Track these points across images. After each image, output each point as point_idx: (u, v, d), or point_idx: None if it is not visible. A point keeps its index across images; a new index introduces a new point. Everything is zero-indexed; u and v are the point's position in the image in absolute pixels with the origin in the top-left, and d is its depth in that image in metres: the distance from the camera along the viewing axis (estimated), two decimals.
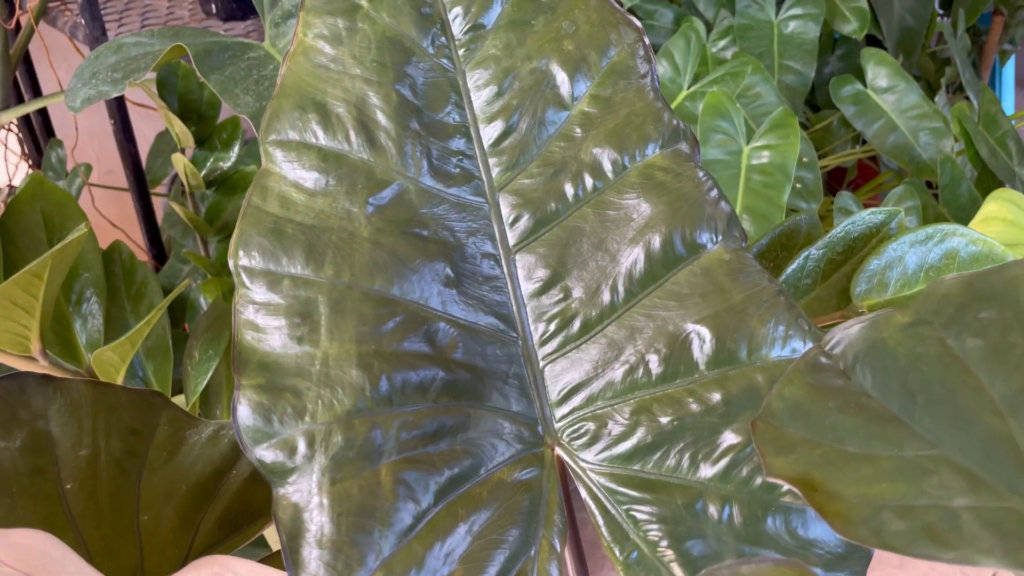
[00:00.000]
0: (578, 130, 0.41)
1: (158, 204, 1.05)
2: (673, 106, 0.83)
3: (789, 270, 0.54)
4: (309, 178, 0.37)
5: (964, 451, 0.28)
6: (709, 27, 1.19)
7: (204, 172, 0.78)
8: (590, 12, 0.42)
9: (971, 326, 0.31)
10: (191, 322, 0.86)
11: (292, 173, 0.37)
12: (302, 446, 0.34)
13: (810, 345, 0.39)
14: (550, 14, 0.42)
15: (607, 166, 0.40)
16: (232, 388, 0.46)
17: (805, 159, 0.87)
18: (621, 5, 0.56)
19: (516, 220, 0.40)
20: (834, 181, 1.49)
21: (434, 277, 0.38)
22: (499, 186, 0.41)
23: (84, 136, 1.14)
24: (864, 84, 1.07)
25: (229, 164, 0.79)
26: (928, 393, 0.30)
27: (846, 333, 0.34)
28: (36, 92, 1.08)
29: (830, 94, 1.06)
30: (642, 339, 0.39)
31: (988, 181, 1.05)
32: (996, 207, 0.85)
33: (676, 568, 0.37)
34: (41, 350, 0.60)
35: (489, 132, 0.41)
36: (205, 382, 0.64)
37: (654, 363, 0.39)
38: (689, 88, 0.84)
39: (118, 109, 0.93)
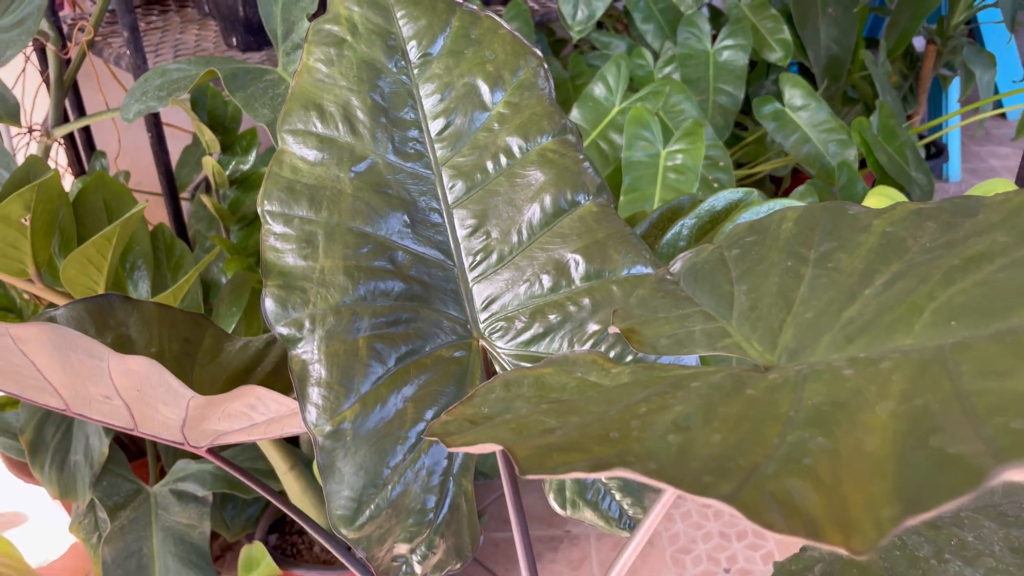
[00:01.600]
0: (496, 125, 0.60)
1: (184, 206, 1.24)
2: (606, 120, 1.02)
3: (669, 235, 0.72)
4: (310, 154, 0.56)
5: (710, 305, 0.46)
6: (656, 56, 1.38)
7: (227, 172, 0.97)
8: (505, 45, 0.61)
9: (738, 244, 0.50)
10: (215, 299, 1.04)
11: (299, 151, 0.56)
12: (307, 323, 0.52)
13: (651, 269, 0.57)
14: (477, 46, 0.61)
15: (515, 149, 0.59)
16: (248, 333, 0.65)
17: (721, 163, 1.06)
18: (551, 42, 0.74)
19: (453, 186, 0.59)
20: (776, 186, 1.68)
21: (396, 221, 0.57)
22: (441, 162, 0.59)
23: (117, 152, 1.33)
24: (783, 103, 1.26)
25: (248, 166, 0.98)
26: (703, 280, 0.49)
27: (681, 258, 0.52)
28: (81, 112, 1.28)
29: (754, 113, 1.25)
30: (538, 265, 0.58)
31: (888, 184, 1.23)
32: (875, 200, 1.03)
33: None
34: None
35: (435, 126, 0.60)
36: (231, 330, 0.82)
37: (546, 281, 0.58)
38: (620, 105, 1.03)
39: (155, 124, 1.12)
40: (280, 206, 0.54)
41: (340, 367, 0.51)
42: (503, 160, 0.59)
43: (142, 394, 0.50)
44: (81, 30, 1.22)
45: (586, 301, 0.57)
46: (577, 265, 0.57)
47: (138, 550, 0.94)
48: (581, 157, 0.59)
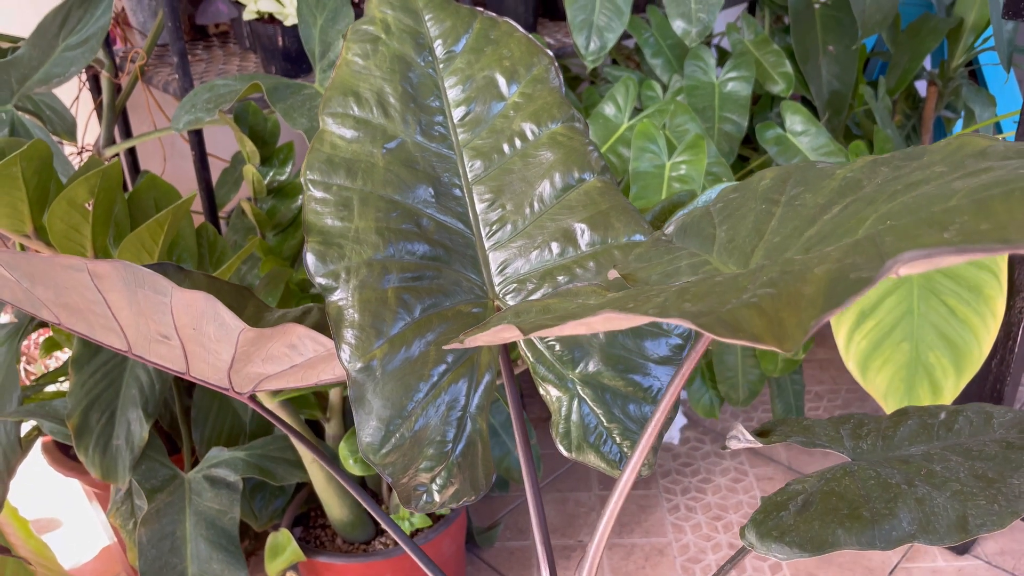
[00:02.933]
0: (511, 112, 0.67)
1: (220, 226, 1.32)
2: (615, 136, 1.10)
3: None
4: (348, 133, 0.64)
5: (695, 246, 0.53)
6: (665, 88, 1.47)
7: (265, 182, 1.06)
8: (520, 45, 0.69)
9: (722, 199, 0.57)
10: None
11: (337, 130, 0.64)
12: (343, 274, 0.59)
13: (648, 236, 0.64)
14: (496, 45, 0.69)
15: (528, 133, 0.67)
16: (281, 321, 0.72)
17: (724, 179, 1.13)
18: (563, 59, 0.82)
19: (473, 165, 0.66)
20: None
21: (423, 192, 0.64)
22: (463, 144, 0.67)
23: (162, 172, 1.43)
24: (784, 129, 1.33)
25: (284, 177, 1.07)
26: (691, 230, 0.55)
27: (675, 220, 0.59)
28: (128, 136, 1.38)
29: (756, 138, 1.33)
30: (548, 233, 0.65)
31: None
32: None
33: (566, 359, 0.61)
34: None
35: (457, 113, 0.67)
36: None
37: (555, 247, 0.64)
38: (628, 122, 1.11)
39: (198, 143, 1.22)
40: (320, 175, 0.62)
41: (371, 312, 0.58)
42: (517, 143, 0.66)
43: (197, 332, 0.57)
44: (132, 60, 1.33)
45: (591, 264, 0.63)
46: (583, 233, 0.64)
47: (172, 532, 0.99)
48: (587, 141, 0.67)
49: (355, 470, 0.98)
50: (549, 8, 1.60)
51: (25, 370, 1.31)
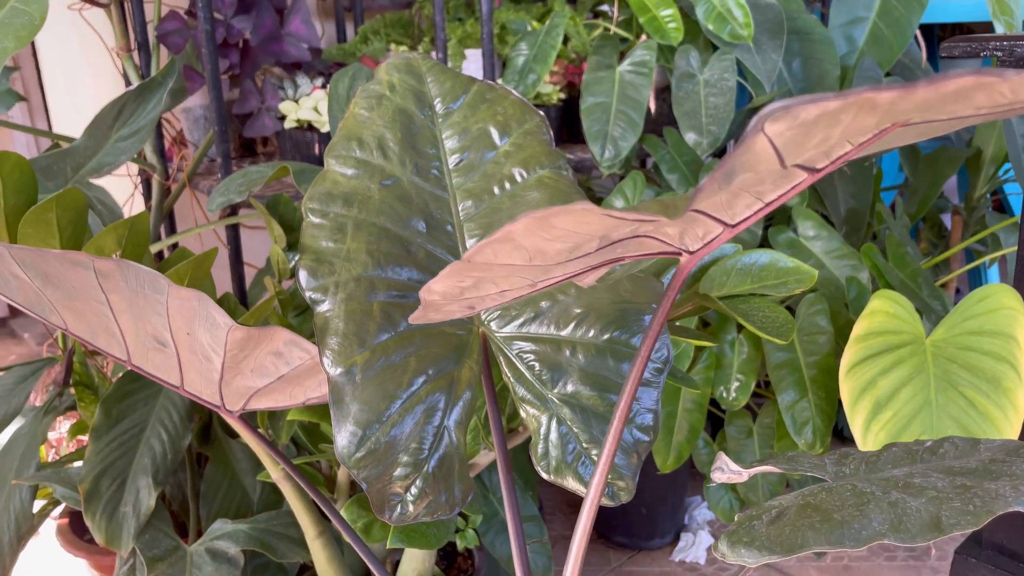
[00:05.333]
0: (502, 159, 0.72)
1: None
2: None
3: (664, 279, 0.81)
4: (348, 171, 0.69)
5: None
6: None
7: (291, 265, 1.12)
8: (514, 105, 0.75)
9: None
10: None
11: (339, 169, 0.69)
12: (332, 288, 0.62)
13: (620, 265, 0.67)
14: (491, 103, 0.75)
15: (517, 177, 0.71)
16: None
17: None
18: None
19: (464, 204, 0.71)
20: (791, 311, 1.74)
21: (415, 224, 0.68)
22: (456, 187, 0.71)
23: None
24: (796, 234, 1.36)
25: None
26: None
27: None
28: (172, 230, 1.47)
29: (769, 242, 1.36)
30: None
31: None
32: (879, 303, 1.11)
33: (545, 378, 0.63)
34: None
35: (452, 160, 0.72)
36: None
37: None
38: None
39: (234, 237, 1.29)
40: (319, 204, 0.67)
41: (355, 322, 0.61)
42: (507, 185, 0.71)
43: (191, 337, 0.60)
44: (180, 170, 1.44)
45: (572, 291, 0.66)
46: None
47: None
48: (572, 184, 0.71)
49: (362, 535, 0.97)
50: (573, 132, 1.70)
51: (54, 450, 1.34)
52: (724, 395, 1.18)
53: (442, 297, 0.45)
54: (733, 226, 0.43)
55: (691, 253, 0.46)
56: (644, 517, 1.53)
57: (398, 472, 0.59)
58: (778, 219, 1.64)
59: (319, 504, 0.73)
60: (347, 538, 0.77)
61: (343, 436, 0.58)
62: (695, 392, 1.18)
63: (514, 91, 0.76)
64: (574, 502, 1.72)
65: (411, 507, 0.59)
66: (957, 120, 0.40)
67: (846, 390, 1.07)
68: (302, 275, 0.63)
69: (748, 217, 0.43)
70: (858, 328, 1.08)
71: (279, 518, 1.05)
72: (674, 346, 1.04)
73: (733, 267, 0.78)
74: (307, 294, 0.62)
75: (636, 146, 1.53)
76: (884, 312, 1.09)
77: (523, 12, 1.68)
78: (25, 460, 1.08)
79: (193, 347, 0.61)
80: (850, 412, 1.07)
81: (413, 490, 0.59)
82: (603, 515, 1.57)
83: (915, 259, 1.34)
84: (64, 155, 1.10)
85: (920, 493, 0.53)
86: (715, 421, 1.38)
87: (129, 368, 0.65)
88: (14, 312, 2.88)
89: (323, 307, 0.62)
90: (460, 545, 1.13)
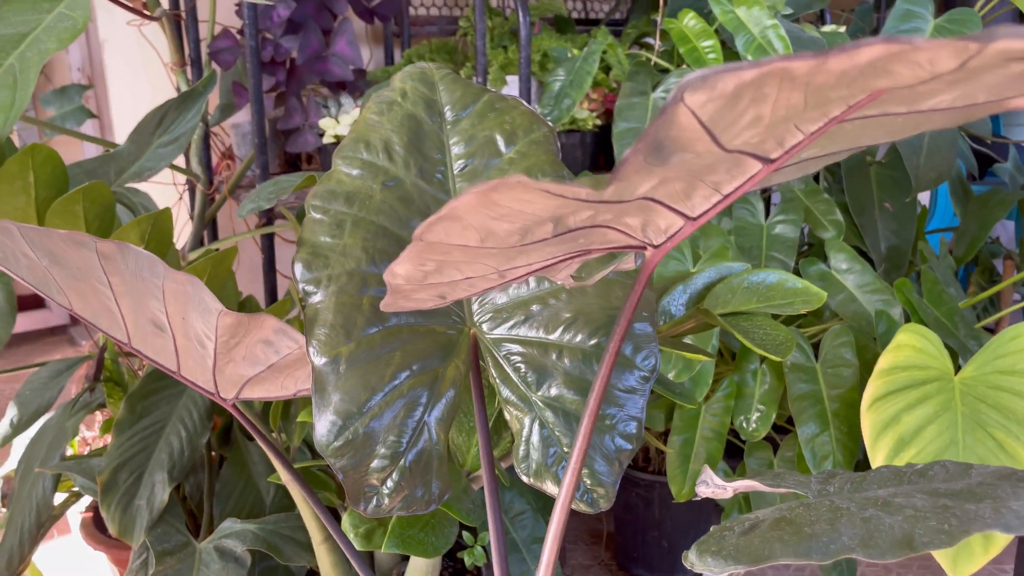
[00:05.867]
0: (506, 166, 0.73)
1: None
2: None
3: (668, 296, 0.81)
4: (353, 172, 0.71)
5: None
6: None
7: None
8: (523, 115, 0.76)
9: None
10: None
11: (345, 169, 0.71)
12: (324, 280, 0.64)
13: (615, 274, 0.66)
14: (499, 113, 0.76)
15: None
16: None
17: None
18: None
19: None
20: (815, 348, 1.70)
21: (413, 225, 0.69)
22: (459, 192, 0.72)
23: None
24: (828, 266, 1.34)
25: None
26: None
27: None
28: (214, 238, 1.51)
29: (800, 273, 1.34)
30: None
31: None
32: (906, 337, 1.08)
33: (530, 380, 0.63)
34: None
35: (457, 165, 0.74)
36: None
37: (532, 282, 0.67)
38: None
39: (267, 247, 1.33)
40: (321, 202, 0.68)
41: (344, 315, 0.62)
42: None
43: (186, 323, 0.62)
44: (224, 182, 1.49)
45: (564, 296, 0.66)
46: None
47: None
48: None
49: (358, 544, 0.97)
50: (609, 158, 1.71)
51: (89, 448, 1.38)
52: (744, 425, 1.16)
53: (406, 281, 0.46)
54: (694, 219, 0.43)
55: (655, 247, 0.46)
56: (665, 550, 1.50)
57: (375, 464, 0.59)
58: (812, 252, 1.61)
59: (322, 517, 0.73)
60: (340, 544, 0.78)
61: (323, 425, 0.59)
62: (713, 420, 1.16)
63: (524, 103, 0.77)
64: (597, 531, 1.69)
65: (386, 500, 0.59)
66: (924, 114, 0.39)
67: (868, 424, 1.04)
68: (298, 267, 0.64)
69: (708, 210, 0.43)
70: (883, 361, 1.05)
71: (288, 521, 1.06)
72: (689, 368, 1.03)
73: (739, 285, 0.77)
74: (301, 286, 0.64)
75: None
76: (911, 346, 1.06)
77: (567, 41, 1.70)
78: (51, 451, 1.11)
79: (188, 332, 0.63)
80: (871, 448, 1.03)
81: (389, 483, 0.59)
82: (623, 546, 1.54)
83: (953, 298, 1.30)
84: (109, 159, 1.15)
85: (898, 511, 0.51)
86: (734, 451, 1.35)
87: (129, 351, 0.67)
88: (73, 320, 2.99)
89: (314, 299, 0.63)
90: (468, 562, 1.13)
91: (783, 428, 1.34)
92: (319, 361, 0.60)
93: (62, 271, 0.62)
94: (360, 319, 0.62)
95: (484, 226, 0.39)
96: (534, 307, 0.66)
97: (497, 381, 0.64)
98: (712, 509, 1.50)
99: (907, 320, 1.26)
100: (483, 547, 1.14)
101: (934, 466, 0.58)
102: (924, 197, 2.43)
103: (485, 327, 0.67)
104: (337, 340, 0.61)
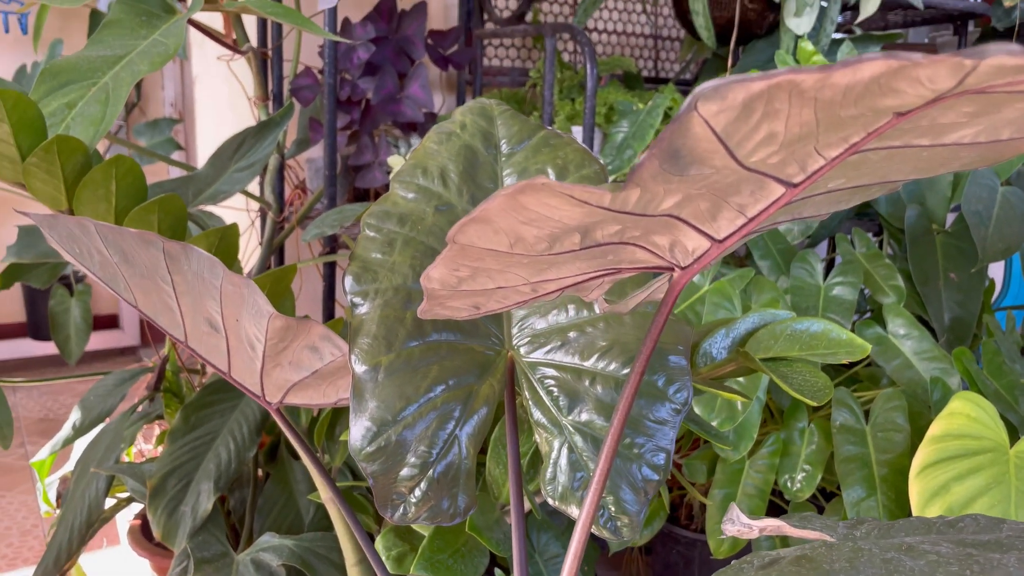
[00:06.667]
0: None
1: None
2: (695, 296, 1.14)
3: (708, 339, 0.81)
4: (409, 195, 0.74)
5: None
6: None
7: None
8: (576, 152, 0.78)
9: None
10: None
11: (401, 192, 0.74)
12: (372, 293, 0.66)
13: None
14: (553, 148, 0.79)
15: None
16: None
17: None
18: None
19: None
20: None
21: None
22: None
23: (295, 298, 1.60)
24: (885, 331, 1.31)
25: None
26: None
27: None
28: (280, 264, 1.57)
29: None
30: (567, 298, 0.70)
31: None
32: (960, 404, 1.05)
33: (562, 404, 0.64)
34: None
35: None
36: None
37: (571, 310, 0.69)
38: (708, 285, 1.15)
39: (328, 275, 1.37)
40: (376, 220, 0.72)
41: (387, 327, 0.65)
42: None
43: (239, 325, 0.65)
44: (292, 213, 1.55)
45: (601, 324, 0.67)
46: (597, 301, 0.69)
47: None
48: None
49: (390, 566, 0.98)
50: None
51: (143, 456, 1.43)
52: (788, 484, 1.14)
53: (440, 285, 0.48)
54: (720, 241, 0.44)
55: (683, 268, 0.47)
56: None
57: (404, 472, 0.61)
58: (872, 318, 1.58)
59: (356, 534, 0.75)
60: (373, 565, 0.79)
61: (357, 430, 0.61)
62: (757, 477, 1.14)
63: (578, 140, 0.80)
64: None
65: (413, 509, 0.61)
66: (949, 148, 0.40)
67: (916, 492, 1.01)
68: (348, 280, 0.67)
69: (733, 233, 0.44)
70: (935, 428, 1.03)
71: (324, 540, 1.08)
72: (733, 418, 1.02)
73: (783, 332, 0.77)
74: (349, 297, 0.67)
75: None
76: (964, 415, 1.03)
77: (634, 96, 1.74)
78: (108, 453, 1.16)
79: (240, 334, 0.66)
80: (918, 516, 1.00)
81: (417, 492, 0.61)
82: None
83: (1015, 372, 1.26)
84: (188, 180, 1.22)
85: (921, 556, 0.50)
86: (777, 512, 1.32)
87: (186, 350, 0.71)
88: (144, 341, 3.10)
89: (361, 310, 0.66)
90: None
91: (830, 493, 1.31)
92: (359, 368, 0.62)
93: (130, 268, 0.66)
94: (402, 332, 0.65)
95: (513, 230, 0.41)
96: (571, 334, 0.67)
97: (530, 403, 0.66)
98: None
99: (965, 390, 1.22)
100: None
101: (965, 519, 0.57)
102: (998, 272, 2.37)
103: (523, 350, 0.68)
104: (378, 350, 0.63)
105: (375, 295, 0.66)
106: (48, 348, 2.92)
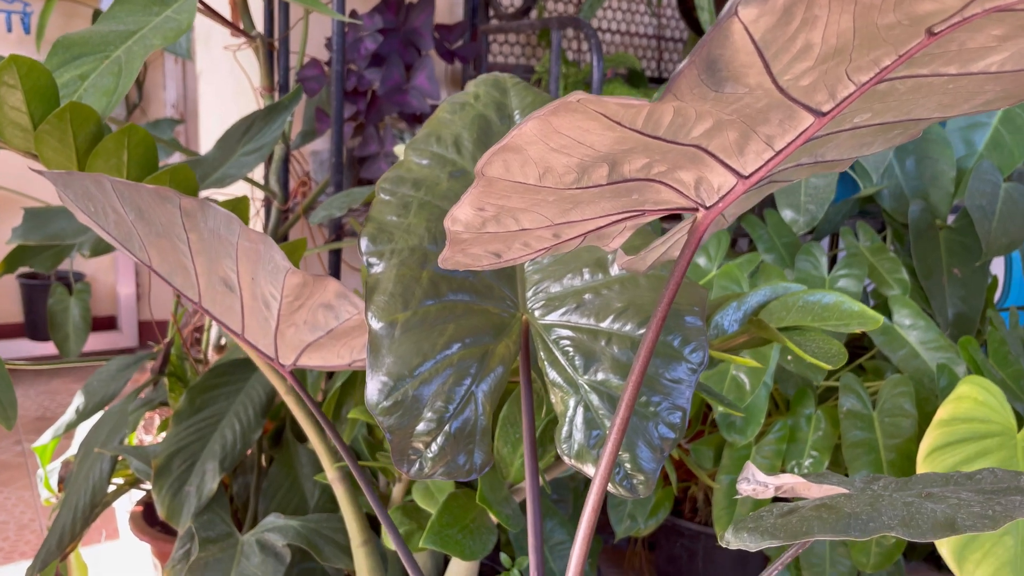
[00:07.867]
0: None
1: None
2: (703, 280, 1.14)
3: (720, 311, 0.81)
4: (423, 161, 0.74)
5: None
6: None
7: None
8: None
9: None
10: None
11: (415, 158, 0.74)
12: (387, 253, 0.66)
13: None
14: None
15: None
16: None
17: None
18: None
19: None
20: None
21: None
22: None
23: None
24: (891, 320, 1.32)
25: None
26: None
27: None
28: None
29: None
30: (582, 262, 0.70)
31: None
32: (968, 388, 1.05)
33: (578, 364, 0.64)
34: None
35: None
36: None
37: (586, 273, 0.69)
38: (716, 270, 1.16)
39: (334, 262, 1.37)
40: (391, 185, 0.72)
41: (404, 285, 0.65)
42: None
43: (254, 283, 0.65)
44: (297, 203, 1.55)
45: (616, 287, 0.67)
46: (612, 262, 0.69)
47: None
48: None
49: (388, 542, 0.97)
50: None
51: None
52: (795, 470, 1.13)
53: (464, 227, 0.48)
54: (747, 177, 0.45)
55: (707, 208, 0.47)
56: None
57: (421, 427, 0.61)
58: (876, 310, 1.59)
59: (371, 504, 0.74)
60: (393, 543, 0.78)
61: (374, 384, 0.61)
62: (764, 463, 1.14)
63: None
64: None
65: (429, 464, 0.61)
66: (975, 80, 0.40)
67: None
68: (363, 241, 0.67)
69: (759, 168, 0.44)
70: (942, 412, 1.03)
71: (329, 522, 1.07)
72: (742, 397, 1.02)
73: (795, 303, 0.77)
74: (364, 258, 0.67)
75: (735, 223, 1.53)
76: (972, 398, 1.03)
77: (639, 94, 1.75)
78: (112, 435, 1.15)
79: (255, 292, 0.66)
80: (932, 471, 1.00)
81: (433, 447, 0.61)
82: None
83: (1021, 363, 1.27)
84: (196, 163, 1.22)
85: (941, 500, 0.50)
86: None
87: (199, 311, 0.70)
88: (142, 342, 3.09)
89: (376, 269, 0.66)
90: None
91: None
92: (376, 325, 0.62)
93: (146, 227, 0.66)
94: (418, 291, 0.65)
95: (543, 159, 0.41)
96: (587, 296, 0.67)
97: (545, 364, 0.65)
98: (759, 564, 1.45)
99: None
100: (520, 571, 1.13)
101: (983, 471, 0.57)
102: (998, 274, 2.37)
103: (537, 313, 0.68)
104: (395, 307, 0.63)
105: (391, 255, 0.66)
106: (46, 348, 2.91)
